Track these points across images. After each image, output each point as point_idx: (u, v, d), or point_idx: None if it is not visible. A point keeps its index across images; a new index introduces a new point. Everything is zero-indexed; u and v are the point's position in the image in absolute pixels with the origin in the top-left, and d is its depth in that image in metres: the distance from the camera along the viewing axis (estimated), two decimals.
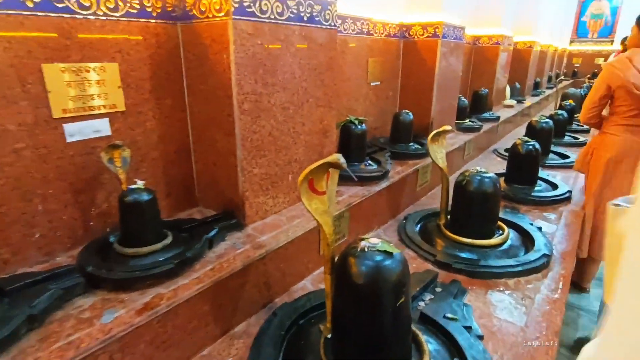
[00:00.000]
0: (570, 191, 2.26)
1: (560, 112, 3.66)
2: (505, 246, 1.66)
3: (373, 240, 0.96)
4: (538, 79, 5.80)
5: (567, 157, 3.03)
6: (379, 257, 0.92)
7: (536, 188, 2.34)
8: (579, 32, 9.87)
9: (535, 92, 5.51)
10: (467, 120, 3.10)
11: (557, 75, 6.76)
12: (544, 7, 5.24)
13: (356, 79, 2.17)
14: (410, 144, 2.27)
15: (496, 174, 2.60)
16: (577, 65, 9.53)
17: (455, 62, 2.66)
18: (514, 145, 2.37)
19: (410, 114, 2.24)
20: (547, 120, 3.01)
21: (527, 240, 1.72)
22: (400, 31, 2.46)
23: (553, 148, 3.22)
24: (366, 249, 0.93)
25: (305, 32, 1.37)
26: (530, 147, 2.32)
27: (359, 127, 1.80)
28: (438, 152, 1.76)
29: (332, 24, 1.48)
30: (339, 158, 0.92)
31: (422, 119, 2.54)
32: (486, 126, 3.24)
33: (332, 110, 1.58)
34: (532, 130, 3.04)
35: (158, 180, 1.34)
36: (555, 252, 1.64)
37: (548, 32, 6.03)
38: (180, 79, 1.33)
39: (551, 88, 5.92)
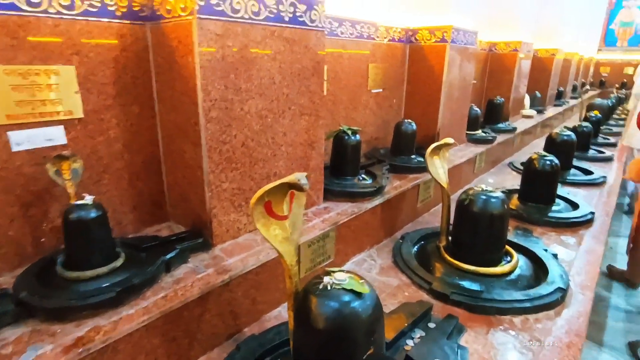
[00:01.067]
0: (593, 213, 2.03)
1: (584, 124, 3.41)
2: (513, 276, 1.47)
3: (339, 276, 0.81)
4: (561, 89, 5.50)
5: (590, 172, 2.78)
6: (345, 298, 0.77)
7: (554, 208, 2.13)
8: (607, 40, 9.43)
9: (558, 102, 5.22)
10: (480, 131, 2.91)
11: (583, 85, 6.42)
12: (569, 14, 4.98)
13: (355, 86, 2.03)
14: (413, 156, 2.10)
15: (509, 190, 2.43)
16: (605, 74, 9.08)
17: (467, 69, 2.48)
18: (530, 160, 2.17)
19: (413, 123, 2.08)
20: (569, 133, 2.78)
21: (540, 270, 1.52)
22: (406, 35, 2.31)
23: (575, 163, 2.98)
24: (329, 287, 0.78)
25: (287, 34, 1.24)
26: (548, 162, 2.12)
27: (353, 137, 1.65)
28: (439, 167, 1.59)
29: (319, 25, 1.34)
30: (300, 178, 0.78)
31: (428, 130, 2.37)
32: (501, 137, 3.03)
33: (320, 119, 1.45)
34: (552, 143, 2.81)
35: (122, 192, 1.23)
36: (572, 284, 1.44)
37: (573, 40, 5.74)
38: (150, 84, 1.22)
39: (576, 98, 5.61)
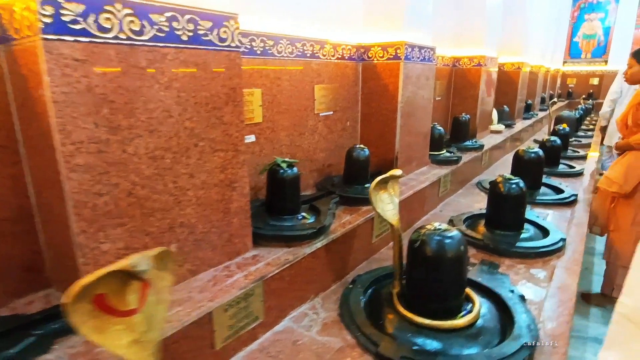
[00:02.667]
0: (564, 239, 1.86)
1: (553, 138, 3.31)
2: (474, 329, 1.25)
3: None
4: (529, 101, 5.49)
5: (561, 191, 2.65)
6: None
7: (523, 235, 1.96)
8: (572, 52, 9.67)
9: (527, 115, 5.19)
10: (445, 151, 2.74)
11: (551, 97, 6.45)
12: (533, 28, 4.99)
13: (299, 110, 1.82)
14: (367, 185, 1.89)
15: (475, 215, 2.25)
16: (572, 85, 9.27)
17: (426, 87, 2.32)
18: (494, 184, 2.00)
19: (366, 149, 1.89)
20: (536, 150, 2.65)
21: (506, 317, 1.32)
22: (358, 53, 2.14)
23: (545, 180, 2.85)
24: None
25: (187, 57, 1.03)
26: (514, 186, 1.95)
27: (289, 171, 1.43)
28: (387, 203, 1.38)
29: (233, 45, 1.14)
30: (137, 264, 0.55)
31: (386, 154, 2.19)
32: (468, 156, 2.88)
33: (241, 154, 1.22)
34: (519, 162, 2.67)
35: None
36: (543, 333, 1.24)
37: (539, 53, 5.77)
38: (10, 122, 0.98)
39: (545, 110, 5.60)
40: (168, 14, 0.96)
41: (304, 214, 1.49)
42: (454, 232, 1.29)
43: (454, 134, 3.19)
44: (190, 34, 1.02)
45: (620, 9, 9.01)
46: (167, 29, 0.97)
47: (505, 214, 1.98)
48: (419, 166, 2.41)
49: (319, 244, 1.40)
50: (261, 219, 1.45)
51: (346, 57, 2.06)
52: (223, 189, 1.19)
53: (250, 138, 1.60)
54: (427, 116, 2.39)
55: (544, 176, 2.82)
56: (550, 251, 1.79)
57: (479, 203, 2.46)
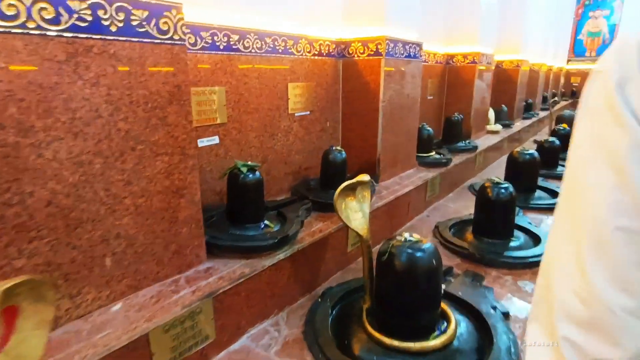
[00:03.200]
0: None
1: (551, 139, 3.17)
2: (448, 351, 1.14)
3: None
4: (530, 101, 5.33)
5: (557, 194, 2.51)
6: None
7: (512, 243, 1.83)
8: (576, 50, 9.47)
9: (527, 115, 5.04)
10: (434, 153, 2.62)
11: (553, 95, 6.27)
12: (533, 25, 4.84)
13: (270, 110, 1.71)
14: None
15: (462, 220, 2.12)
16: (576, 84, 9.06)
17: (412, 85, 2.20)
18: (482, 189, 1.88)
19: (343, 152, 1.77)
20: (531, 152, 2.51)
21: (485, 338, 1.20)
22: (338, 49, 2.02)
23: (542, 183, 2.72)
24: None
25: (117, 50, 0.92)
26: (503, 190, 1.83)
27: (250, 175, 1.32)
28: (355, 212, 1.27)
29: (177, 37, 1.03)
30: None
31: (368, 156, 2.07)
32: (460, 158, 2.75)
33: (190, 158, 1.11)
34: (514, 164, 2.55)
35: None
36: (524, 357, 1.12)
37: (540, 51, 5.61)
38: None
39: (547, 109, 5.44)
40: (90, 1, 0.85)
41: (267, 222, 1.37)
42: (427, 245, 1.17)
43: (446, 134, 3.06)
44: (121, 24, 0.91)
45: (626, 6, 8.80)
46: (89, 18, 0.86)
47: (493, 221, 1.86)
48: (404, 169, 2.29)
49: (281, 255, 1.29)
50: (221, 228, 1.34)
51: (324, 54, 1.94)
52: (168, 197, 1.08)
53: (213, 140, 1.49)
54: (413, 116, 2.27)
55: (540, 179, 2.69)
56: (539, 262, 1.67)
57: (469, 208, 2.32)
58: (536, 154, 2.52)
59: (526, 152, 2.50)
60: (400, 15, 2.00)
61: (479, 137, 3.59)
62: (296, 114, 1.84)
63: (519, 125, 4.53)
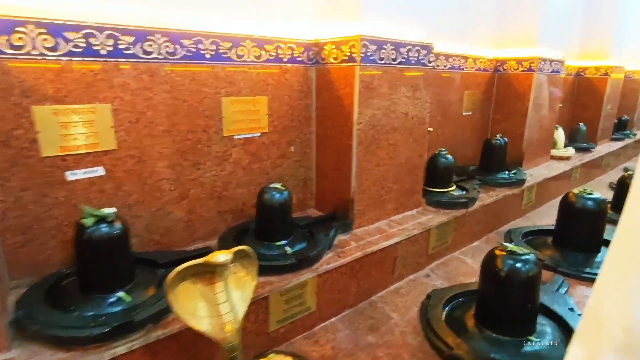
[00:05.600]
0: None
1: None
2: None
3: None
4: (626, 117, 4.21)
5: None
6: None
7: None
8: None
9: (618, 136, 3.95)
10: (454, 188, 2.00)
11: None
12: (631, 22, 3.78)
13: (192, 132, 1.32)
14: (282, 242, 1.32)
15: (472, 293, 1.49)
16: None
17: (412, 100, 1.64)
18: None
19: (285, 192, 1.31)
20: (595, 197, 1.77)
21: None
22: (308, 53, 1.57)
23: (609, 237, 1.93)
24: None
25: None
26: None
27: (103, 229, 0.94)
28: (214, 304, 0.81)
29: None
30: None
31: (342, 193, 1.57)
32: (496, 194, 2.08)
33: None
34: (568, 210, 1.82)
35: None
36: None
37: None
38: None
39: None
40: None
41: (121, 294, 0.97)
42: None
43: (484, 162, 2.39)
44: None
45: None
46: None
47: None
48: (400, 210, 1.73)
49: (122, 347, 0.88)
50: (65, 299, 0.98)
51: (286, 60, 1.50)
52: None
53: (94, 171, 1.15)
54: (416, 141, 1.70)
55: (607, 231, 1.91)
56: None
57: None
58: (602, 198, 1.77)
59: (587, 196, 1.77)
60: (389, 4, 1.48)
61: (538, 165, 2.80)
62: (236, 137, 1.43)
63: (603, 148, 3.54)
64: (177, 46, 1.23)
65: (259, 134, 1.49)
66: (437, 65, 2.17)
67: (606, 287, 0.44)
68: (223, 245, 1.30)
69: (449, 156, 1.96)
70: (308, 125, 1.64)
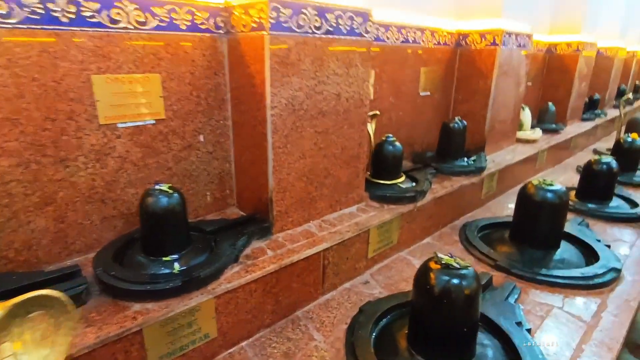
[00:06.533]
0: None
1: (605, 159, 2.13)
2: None
3: None
4: (597, 96, 4.06)
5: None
6: None
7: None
8: None
9: (589, 115, 3.81)
10: (402, 179, 1.77)
11: (620, 92, 4.75)
12: None
13: (49, 120, 1.03)
14: (169, 258, 1.07)
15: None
16: None
17: (345, 80, 1.39)
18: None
19: (175, 194, 1.04)
20: (556, 188, 1.58)
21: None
22: (215, 18, 1.28)
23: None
24: None
25: None
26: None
27: None
28: None
29: None
30: None
31: (259, 191, 1.32)
32: (452, 184, 1.87)
33: None
34: (527, 204, 1.63)
35: None
36: None
37: (616, 31, 4.27)
38: None
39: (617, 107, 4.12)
40: None
41: None
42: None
43: (442, 148, 2.17)
44: None
45: None
46: None
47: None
48: (336, 208, 1.50)
49: None
50: None
51: (183, 27, 1.21)
52: None
53: None
54: (353, 128, 1.46)
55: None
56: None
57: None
58: (562, 190, 1.58)
59: (547, 187, 1.58)
60: None
61: (503, 149, 2.62)
62: (120, 125, 1.15)
63: (572, 129, 3.39)
64: (15, 6, 0.92)
65: (153, 121, 1.21)
66: (388, 38, 1.90)
67: None
68: (98, 263, 1.04)
69: (397, 143, 1.73)
70: (221, 109, 1.37)
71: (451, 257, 1.02)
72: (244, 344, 1.15)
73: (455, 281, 0.97)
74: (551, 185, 1.60)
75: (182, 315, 0.98)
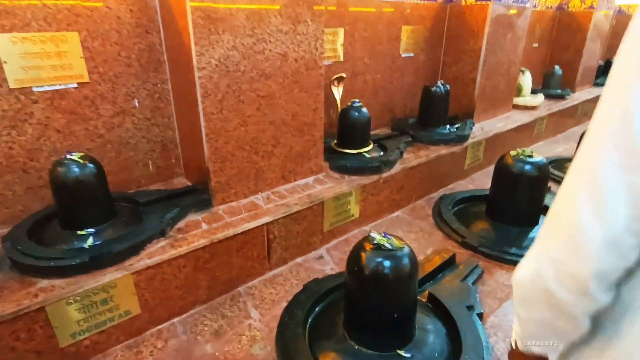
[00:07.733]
0: None
1: None
2: None
3: None
4: (612, 59, 3.73)
5: None
6: None
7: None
8: None
9: (603, 80, 3.52)
10: (370, 147, 1.65)
11: None
12: None
13: None
14: (79, 242, 1.00)
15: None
16: None
17: (292, 37, 1.25)
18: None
19: (89, 165, 0.96)
20: (536, 160, 1.44)
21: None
22: None
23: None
24: None
25: None
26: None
27: None
28: None
29: None
30: None
31: (198, 160, 1.23)
32: (429, 154, 1.74)
33: None
34: (503, 174, 1.50)
35: None
36: None
37: None
38: None
39: None
40: None
41: None
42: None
43: (423, 114, 2.02)
44: None
45: None
46: None
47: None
48: (291, 178, 1.41)
49: None
50: None
51: None
52: None
53: None
54: (306, 92, 1.33)
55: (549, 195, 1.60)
56: None
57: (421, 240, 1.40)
58: (543, 162, 1.44)
59: (526, 158, 1.43)
60: None
61: (497, 117, 2.43)
62: (35, 89, 1.06)
63: (581, 95, 3.14)
64: None
65: (75, 85, 1.12)
66: None
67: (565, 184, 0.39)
68: (9, 237, 0.99)
69: (364, 109, 1.59)
70: (158, 72, 1.26)
71: (385, 236, 0.92)
72: (175, 320, 1.11)
73: (386, 263, 0.88)
74: (530, 156, 1.46)
75: (93, 291, 0.92)
